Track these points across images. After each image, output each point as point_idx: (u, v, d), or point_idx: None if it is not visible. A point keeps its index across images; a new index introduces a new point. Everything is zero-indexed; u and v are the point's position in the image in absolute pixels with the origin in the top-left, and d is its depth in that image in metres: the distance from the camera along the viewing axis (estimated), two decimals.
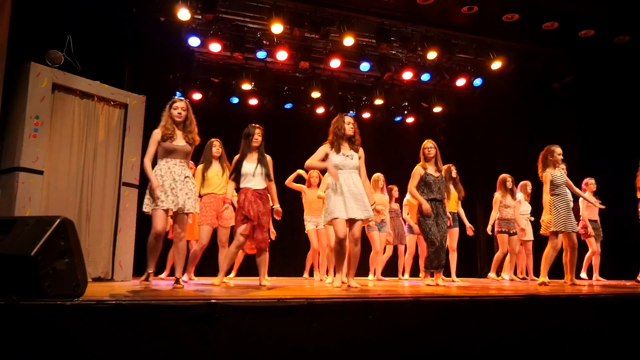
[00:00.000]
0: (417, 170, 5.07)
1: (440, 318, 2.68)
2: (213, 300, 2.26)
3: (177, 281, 3.86)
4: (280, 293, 3.19)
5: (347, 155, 4.11)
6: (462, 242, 8.31)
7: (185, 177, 3.88)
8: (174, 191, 3.80)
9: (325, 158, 4.16)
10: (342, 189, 4.00)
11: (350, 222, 4.04)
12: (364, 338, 2.47)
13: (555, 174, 5.21)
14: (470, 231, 6.61)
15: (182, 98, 4.05)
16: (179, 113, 3.89)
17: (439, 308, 2.73)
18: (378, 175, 6.61)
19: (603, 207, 6.21)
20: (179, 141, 3.88)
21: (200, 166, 5.23)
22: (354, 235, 4.02)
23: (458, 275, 6.59)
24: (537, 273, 7.17)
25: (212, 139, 5.25)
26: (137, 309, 2.15)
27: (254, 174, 4.43)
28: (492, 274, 6.83)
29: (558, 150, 5.25)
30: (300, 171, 6.16)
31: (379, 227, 6.59)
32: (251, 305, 2.34)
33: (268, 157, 4.58)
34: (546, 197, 5.18)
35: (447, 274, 6.81)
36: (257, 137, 4.51)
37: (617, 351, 3.00)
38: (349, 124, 4.17)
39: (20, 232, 2.21)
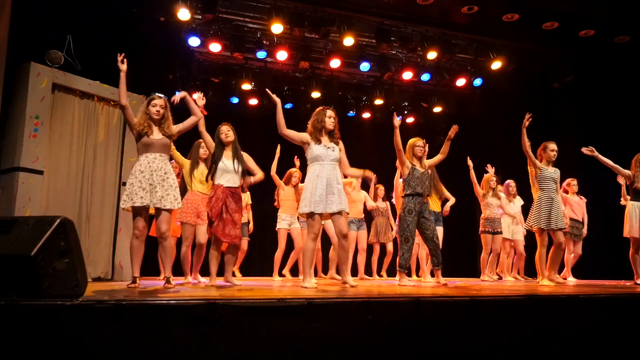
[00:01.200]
0: (406, 163, 5.03)
1: (440, 318, 2.68)
2: (213, 300, 2.26)
3: (167, 281, 3.81)
4: (280, 293, 3.18)
5: (328, 147, 4.00)
6: (462, 242, 8.33)
7: (165, 173, 3.81)
8: (152, 187, 3.73)
9: (304, 145, 4.07)
10: (322, 182, 3.89)
11: (332, 216, 3.93)
12: (364, 338, 2.47)
13: (547, 169, 5.20)
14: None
15: (162, 95, 3.97)
16: (157, 111, 3.85)
17: (439, 308, 2.73)
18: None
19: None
20: (155, 135, 3.84)
21: (187, 163, 5.10)
22: (342, 231, 3.89)
23: (458, 275, 6.58)
24: (527, 272, 7.18)
25: (199, 140, 5.18)
26: (137, 309, 2.15)
27: (230, 170, 4.34)
28: (484, 276, 6.77)
29: (551, 146, 5.24)
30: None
31: (358, 226, 6.59)
32: (251, 305, 2.33)
33: (245, 154, 4.52)
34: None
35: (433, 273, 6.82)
36: (227, 132, 4.45)
37: (617, 351, 3.00)
38: (330, 117, 4.06)
39: (20, 232, 2.21)
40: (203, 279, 5.08)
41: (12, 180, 4.61)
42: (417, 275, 7.21)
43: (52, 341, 1.98)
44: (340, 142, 4.14)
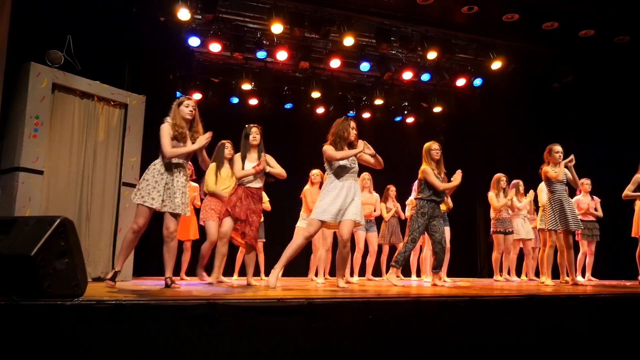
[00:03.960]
0: (428, 170, 4.99)
1: (440, 318, 2.68)
2: (213, 300, 2.26)
3: (170, 281, 3.80)
4: (280, 293, 3.18)
5: (350, 159, 4.07)
6: (462, 242, 8.33)
7: (185, 179, 3.86)
8: (169, 192, 3.74)
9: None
10: (343, 193, 3.96)
11: (341, 223, 3.99)
12: (364, 338, 2.47)
13: (555, 170, 5.22)
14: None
15: (190, 97, 4.01)
16: (191, 111, 3.86)
17: (439, 308, 2.73)
18: (364, 175, 6.59)
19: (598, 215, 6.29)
20: (188, 143, 3.84)
21: (213, 165, 5.09)
22: (343, 237, 3.96)
23: (459, 275, 6.59)
24: (537, 273, 7.18)
25: (224, 141, 5.19)
26: (137, 309, 2.15)
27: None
28: (497, 276, 6.80)
29: (556, 148, 5.26)
30: None
31: (367, 228, 6.59)
32: (251, 305, 2.34)
33: (268, 156, 4.58)
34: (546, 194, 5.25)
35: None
36: (255, 135, 4.53)
37: (617, 351, 3.00)
38: (354, 128, 4.15)
39: (20, 232, 2.21)
40: (227, 279, 5.14)
41: (12, 180, 4.61)
42: (418, 276, 7.22)
43: (52, 341, 1.98)
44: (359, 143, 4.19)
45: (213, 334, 2.20)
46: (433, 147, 5.12)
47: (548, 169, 5.19)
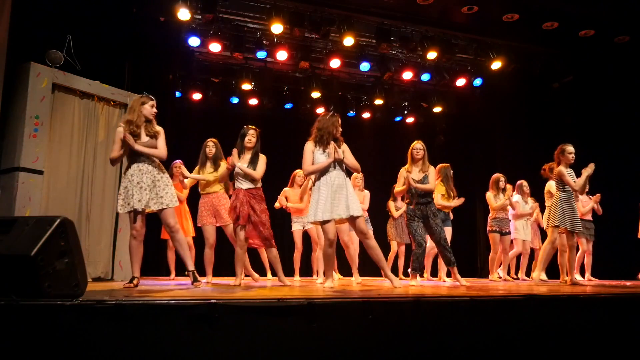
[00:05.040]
0: (401, 173, 5.07)
1: (440, 318, 2.68)
2: (213, 300, 2.26)
3: (194, 276, 3.86)
4: (280, 293, 3.18)
5: (325, 157, 4.02)
6: (462, 242, 8.33)
7: (158, 173, 3.85)
8: (142, 190, 3.74)
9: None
10: (329, 188, 3.92)
11: (348, 220, 3.98)
12: (364, 338, 2.46)
13: (568, 171, 5.20)
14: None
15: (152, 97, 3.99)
16: (156, 111, 3.92)
17: (439, 308, 2.73)
18: (355, 174, 6.56)
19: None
20: (143, 138, 3.84)
21: (197, 168, 5.23)
22: (362, 231, 3.93)
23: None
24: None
25: (207, 140, 5.24)
26: (137, 309, 2.15)
27: (245, 175, 4.41)
28: (492, 276, 6.80)
29: (569, 149, 5.21)
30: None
31: None
32: (251, 305, 2.33)
33: (262, 157, 4.51)
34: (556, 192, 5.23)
35: (435, 273, 6.87)
36: (251, 137, 4.49)
37: (617, 351, 3.00)
38: (340, 125, 4.13)
39: (20, 232, 2.21)
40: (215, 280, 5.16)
41: (12, 180, 4.61)
42: (433, 276, 7.20)
43: (52, 341, 1.98)
44: (344, 144, 4.14)
45: (213, 334, 2.20)
46: (415, 146, 5.11)
47: (565, 173, 5.08)
